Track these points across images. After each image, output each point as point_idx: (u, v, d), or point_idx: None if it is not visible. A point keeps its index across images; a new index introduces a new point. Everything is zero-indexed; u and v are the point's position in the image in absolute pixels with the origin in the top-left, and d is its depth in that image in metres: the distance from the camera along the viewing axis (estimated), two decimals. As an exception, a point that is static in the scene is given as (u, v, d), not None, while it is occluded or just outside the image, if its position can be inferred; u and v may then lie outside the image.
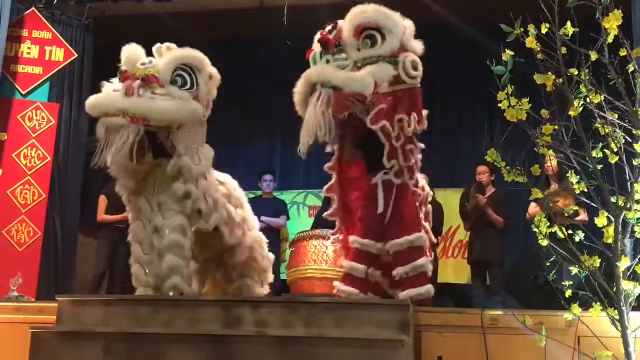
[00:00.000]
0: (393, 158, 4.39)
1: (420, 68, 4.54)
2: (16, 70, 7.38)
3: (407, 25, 4.61)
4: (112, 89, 4.58)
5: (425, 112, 4.62)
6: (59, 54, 7.54)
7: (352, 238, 4.59)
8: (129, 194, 4.69)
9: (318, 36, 4.63)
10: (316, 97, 4.27)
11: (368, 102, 4.32)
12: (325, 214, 5.04)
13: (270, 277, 5.47)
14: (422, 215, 4.75)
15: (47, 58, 7.50)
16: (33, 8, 7.54)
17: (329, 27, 4.57)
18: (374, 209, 4.48)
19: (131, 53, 4.65)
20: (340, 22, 4.57)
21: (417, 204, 4.64)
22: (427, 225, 4.89)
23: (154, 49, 4.76)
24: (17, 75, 7.37)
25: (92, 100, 4.51)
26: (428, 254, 4.77)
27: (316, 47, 4.61)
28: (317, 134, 4.25)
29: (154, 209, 4.58)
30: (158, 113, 4.43)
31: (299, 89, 4.52)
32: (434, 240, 5.08)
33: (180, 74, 4.60)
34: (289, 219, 7.96)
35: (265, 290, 5.39)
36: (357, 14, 4.52)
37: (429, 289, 4.42)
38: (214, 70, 4.83)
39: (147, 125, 4.40)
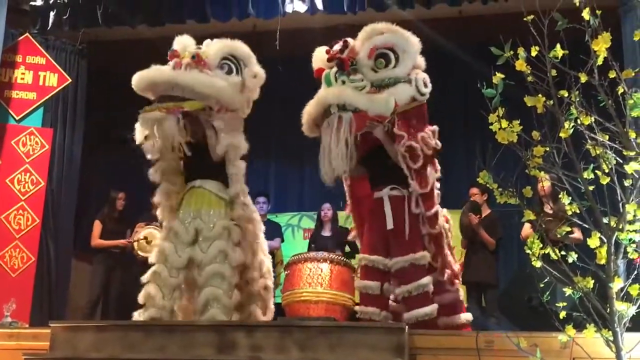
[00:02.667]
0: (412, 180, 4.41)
1: (430, 84, 4.56)
2: (10, 96, 7.39)
3: (415, 42, 4.63)
4: None
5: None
6: (52, 79, 7.56)
7: (359, 256, 4.57)
8: (168, 209, 4.72)
9: (322, 54, 4.58)
10: (335, 121, 4.23)
11: (386, 122, 4.34)
12: (350, 235, 5.00)
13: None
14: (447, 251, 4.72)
15: (40, 83, 7.51)
16: (27, 33, 7.57)
17: (337, 46, 4.52)
18: (379, 224, 4.47)
19: (183, 40, 4.82)
20: (350, 40, 4.55)
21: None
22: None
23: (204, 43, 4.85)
24: (11, 100, 7.39)
25: (138, 74, 4.58)
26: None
27: (325, 65, 4.55)
28: (338, 164, 4.23)
29: (190, 233, 4.57)
30: (204, 86, 4.47)
31: (310, 109, 4.46)
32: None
33: (226, 62, 4.70)
34: (283, 241, 7.93)
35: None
36: (372, 34, 4.50)
37: (434, 308, 4.40)
38: (260, 70, 4.85)
39: (182, 111, 4.47)
